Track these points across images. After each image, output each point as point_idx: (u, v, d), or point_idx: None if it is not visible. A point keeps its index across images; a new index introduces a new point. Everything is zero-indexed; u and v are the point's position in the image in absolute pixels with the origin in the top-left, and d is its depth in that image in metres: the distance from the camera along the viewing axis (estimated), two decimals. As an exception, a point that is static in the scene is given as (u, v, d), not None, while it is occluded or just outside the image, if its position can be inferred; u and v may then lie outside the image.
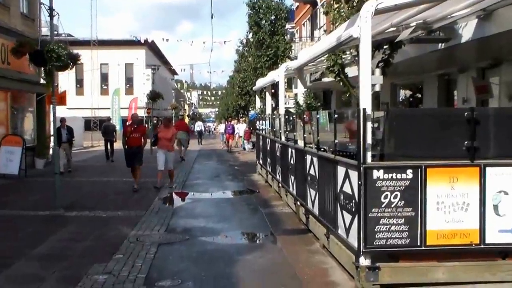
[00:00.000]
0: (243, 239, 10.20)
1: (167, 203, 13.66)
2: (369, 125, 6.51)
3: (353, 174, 6.77)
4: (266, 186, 16.75)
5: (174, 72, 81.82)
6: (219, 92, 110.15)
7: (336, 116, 7.88)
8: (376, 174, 6.46)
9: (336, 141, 7.74)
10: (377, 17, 6.84)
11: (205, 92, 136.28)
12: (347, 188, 7.12)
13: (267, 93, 18.53)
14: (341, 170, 7.42)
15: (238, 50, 50.32)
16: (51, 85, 12.37)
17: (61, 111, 34.41)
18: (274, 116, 15.07)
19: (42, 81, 23.81)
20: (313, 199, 9.39)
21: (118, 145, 24.64)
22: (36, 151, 22.76)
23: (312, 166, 9.37)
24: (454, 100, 17.07)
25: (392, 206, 6.46)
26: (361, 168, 6.46)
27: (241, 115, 55.62)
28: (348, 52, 13.03)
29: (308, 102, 10.61)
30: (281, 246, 9.11)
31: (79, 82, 56.82)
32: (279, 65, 23.90)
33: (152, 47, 58.81)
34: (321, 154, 8.74)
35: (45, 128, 24.00)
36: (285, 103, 29.32)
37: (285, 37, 32.19)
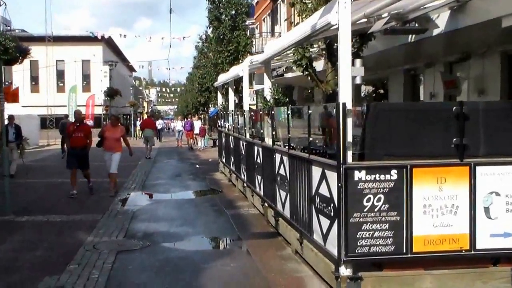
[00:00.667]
0: (209, 245, 9.54)
1: (126, 205, 12.88)
2: (350, 121, 5.94)
3: (332, 175, 6.19)
4: (229, 185, 16.10)
5: (132, 69, 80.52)
6: (178, 89, 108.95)
7: (309, 112, 7.26)
8: (358, 175, 5.90)
9: (310, 139, 7.14)
10: (352, 5, 6.27)
11: (163, 89, 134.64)
12: (324, 191, 6.53)
13: (229, 89, 17.84)
14: (316, 171, 6.83)
15: (197, 46, 49.41)
16: (0, 82, 11.42)
17: (15, 109, 33.44)
18: (238, 113, 14.41)
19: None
20: (283, 201, 8.79)
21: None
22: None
23: (282, 165, 8.77)
24: (420, 96, 16.75)
25: (376, 210, 5.90)
26: (341, 169, 5.88)
27: (200, 112, 54.87)
28: (315, 46, 12.50)
29: (277, 97, 10.00)
30: (250, 251, 8.48)
31: (34, 79, 55.21)
32: (240, 60, 23.30)
33: (109, 44, 57.47)
34: (293, 153, 8.12)
35: (-5, 126, 22.76)
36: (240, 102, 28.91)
37: (246, 32, 31.54)
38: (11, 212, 11.22)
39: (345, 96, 5.98)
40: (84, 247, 8.67)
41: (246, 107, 13.45)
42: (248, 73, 13.73)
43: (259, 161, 11.01)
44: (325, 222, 6.50)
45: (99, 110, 49.41)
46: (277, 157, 9.10)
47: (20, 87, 52.21)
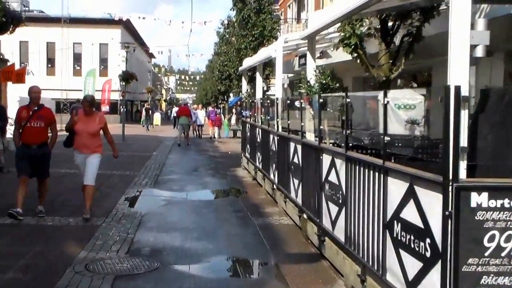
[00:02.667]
0: (235, 270, 7.44)
1: (134, 207, 10.89)
2: (465, 115, 3.85)
3: (429, 197, 4.10)
4: (254, 185, 14.03)
5: (151, 56, 78.77)
6: (197, 77, 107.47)
7: (386, 100, 5.09)
8: (476, 199, 3.80)
9: (386, 138, 5.00)
10: None
11: (182, 77, 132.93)
12: (412, 216, 4.42)
13: (257, 74, 15.64)
14: (398, 186, 4.71)
15: (219, 32, 47.44)
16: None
17: (26, 91, 31.77)
18: (268, 101, 12.21)
19: (-3, 55, 20.83)
20: (334, 217, 6.69)
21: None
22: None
23: (334, 171, 6.66)
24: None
25: (503, 254, 3.81)
26: (451, 189, 3.79)
27: (220, 101, 52.97)
28: (365, 23, 10.35)
29: (324, 81, 7.88)
30: (288, 282, 6.42)
31: (50, 62, 53.61)
32: (266, 46, 21.16)
33: (128, 27, 55.74)
34: (353, 156, 6.00)
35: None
36: (268, 90, 26.70)
37: (272, 16, 29.43)
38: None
39: (459, 76, 3.89)
40: (73, 268, 6.70)
41: (279, 94, 11.34)
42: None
43: (296, 161, 8.91)
44: (413, 264, 4.40)
45: (116, 96, 47.48)
46: (326, 159, 7.00)
47: (36, 69, 51.06)
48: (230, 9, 30.42)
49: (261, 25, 28.05)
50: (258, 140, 13.64)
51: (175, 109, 47.17)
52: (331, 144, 7.46)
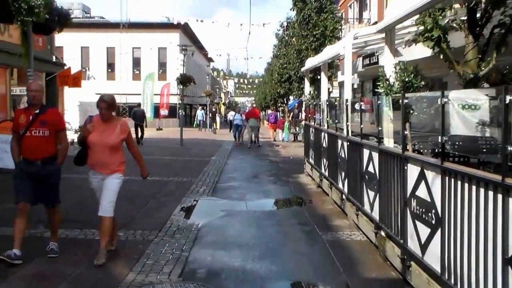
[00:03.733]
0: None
1: (190, 218, 10.05)
2: None
3: None
4: (319, 193, 12.98)
5: (210, 59, 78.83)
6: (256, 81, 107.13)
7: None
8: None
9: (509, 149, 3.88)
10: None
11: (241, 80, 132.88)
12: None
13: (322, 74, 14.51)
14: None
15: (277, 34, 46.47)
16: (28, 54, 8.68)
17: (87, 97, 31.97)
18: (336, 103, 11.11)
19: (54, 59, 20.56)
20: (423, 240, 5.58)
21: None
22: (45, 141, 19.39)
23: (423, 184, 5.56)
24: None
25: None
26: None
27: (279, 104, 52.11)
28: (448, 13, 9.14)
29: (407, 79, 6.74)
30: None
31: (111, 66, 54.14)
32: (327, 46, 20.03)
33: (186, 31, 55.74)
34: (454, 169, 4.88)
35: (57, 113, 20.52)
36: (331, 92, 25.44)
37: (334, 15, 28.19)
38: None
39: None
40: (119, 296, 5.84)
41: (348, 94, 10.27)
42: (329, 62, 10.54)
43: (371, 171, 7.82)
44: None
45: (175, 100, 47.29)
46: (413, 170, 5.90)
47: (97, 74, 51.58)
48: (290, 9, 29.36)
49: (323, 25, 26.92)
50: (324, 145, 12.57)
51: (231, 113, 46.54)
52: (416, 152, 6.37)
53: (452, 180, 4.80)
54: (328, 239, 8.45)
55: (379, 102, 7.20)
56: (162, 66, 54.65)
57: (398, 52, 15.08)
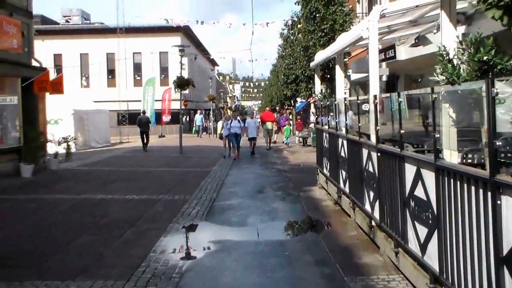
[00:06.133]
0: None
1: (174, 256, 7.68)
2: None
3: None
4: (337, 212, 10.57)
5: (214, 63, 76.45)
6: (262, 84, 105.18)
7: None
8: None
9: None
10: None
11: (247, 84, 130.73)
12: None
13: (337, 67, 11.93)
14: None
15: (282, 34, 44.03)
16: None
17: (87, 104, 30.04)
18: (358, 102, 8.57)
19: (33, 62, 18.27)
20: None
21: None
22: (22, 155, 17.10)
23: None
24: None
25: None
26: None
27: (286, 107, 49.68)
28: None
29: (485, 58, 4.31)
30: None
31: (111, 73, 51.94)
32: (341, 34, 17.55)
33: (188, 34, 53.43)
34: None
35: (36, 123, 18.17)
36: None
37: (344, 8, 25.71)
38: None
39: None
40: None
41: (375, 90, 7.84)
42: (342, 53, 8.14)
43: (422, 196, 5.38)
44: None
45: (177, 105, 45.02)
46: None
47: (97, 81, 49.48)
48: (295, 3, 26.91)
49: (331, 18, 24.46)
50: (343, 154, 10.11)
51: (219, 123, 44.20)
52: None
53: None
54: (359, 290, 6.04)
55: (434, 96, 4.72)
56: (164, 71, 52.39)
57: (427, 40, 12.67)
